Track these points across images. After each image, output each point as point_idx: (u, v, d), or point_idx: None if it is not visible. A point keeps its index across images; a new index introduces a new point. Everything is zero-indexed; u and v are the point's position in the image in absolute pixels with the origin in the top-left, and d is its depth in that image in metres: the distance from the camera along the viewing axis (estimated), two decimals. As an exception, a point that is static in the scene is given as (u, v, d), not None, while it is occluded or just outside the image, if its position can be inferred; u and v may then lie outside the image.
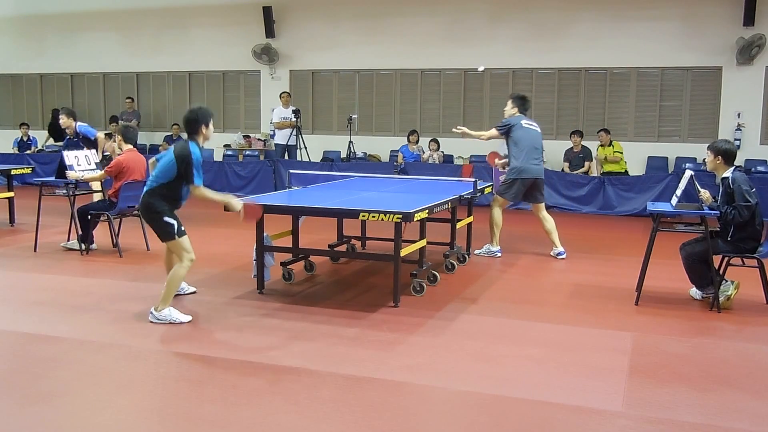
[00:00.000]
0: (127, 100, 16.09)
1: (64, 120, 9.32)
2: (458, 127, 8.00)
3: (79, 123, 9.44)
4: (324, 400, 3.85)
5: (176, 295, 5.54)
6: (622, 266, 7.32)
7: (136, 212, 7.85)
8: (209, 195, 5.21)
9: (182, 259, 5.20)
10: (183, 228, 5.23)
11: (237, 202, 5.30)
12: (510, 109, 7.91)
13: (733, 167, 5.75)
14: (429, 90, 14.39)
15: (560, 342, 4.91)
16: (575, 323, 5.36)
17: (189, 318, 5.22)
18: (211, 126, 5.25)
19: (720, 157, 5.73)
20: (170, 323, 5.13)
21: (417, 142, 13.40)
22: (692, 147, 12.61)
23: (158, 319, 5.15)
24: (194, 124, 5.15)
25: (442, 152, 13.26)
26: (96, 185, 8.33)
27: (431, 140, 13.30)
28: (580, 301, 6.02)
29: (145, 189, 5.23)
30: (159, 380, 4.17)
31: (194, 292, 5.96)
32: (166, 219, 5.14)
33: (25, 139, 15.58)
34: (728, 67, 12.46)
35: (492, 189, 8.08)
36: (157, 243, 7.86)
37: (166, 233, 5.16)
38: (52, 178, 8.29)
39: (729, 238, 5.72)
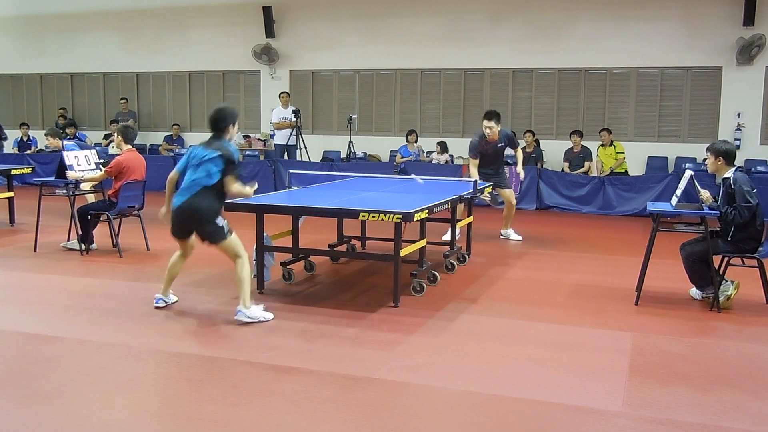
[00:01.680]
0: (122, 101, 16.11)
1: (50, 140, 9.20)
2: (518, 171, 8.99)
3: (66, 142, 9.28)
4: (324, 400, 3.85)
5: (160, 308, 5.58)
6: (622, 266, 7.32)
7: (136, 212, 7.87)
8: (242, 189, 5.26)
9: (240, 254, 5.23)
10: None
11: (251, 189, 5.41)
12: (498, 127, 8.37)
13: (735, 167, 5.75)
14: (429, 90, 14.39)
15: (560, 342, 4.91)
16: (575, 323, 5.36)
17: (272, 316, 5.28)
18: (237, 125, 5.32)
19: (721, 158, 5.72)
20: (260, 321, 5.17)
21: (416, 141, 13.39)
22: (692, 147, 12.61)
23: (249, 317, 5.15)
24: (222, 122, 5.20)
25: (451, 155, 13.22)
26: (86, 186, 8.21)
27: (438, 142, 13.25)
28: (580, 301, 6.02)
29: (188, 193, 5.09)
30: (159, 380, 4.17)
31: (176, 302, 5.74)
32: (218, 220, 5.15)
33: (25, 139, 15.59)
34: (728, 67, 12.46)
35: (492, 189, 8.17)
36: (157, 243, 7.93)
37: (220, 234, 5.14)
38: (52, 178, 8.28)
39: (729, 239, 5.72)
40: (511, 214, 8.82)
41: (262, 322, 5.19)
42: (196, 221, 5.14)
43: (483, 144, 8.36)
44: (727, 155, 5.72)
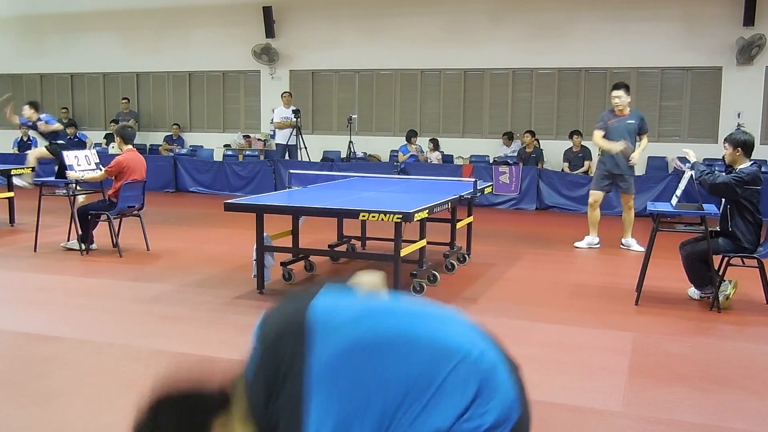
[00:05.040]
0: (123, 101, 16.11)
1: (26, 111, 9.90)
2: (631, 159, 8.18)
3: (43, 114, 10.02)
4: (324, 400, 3.84)
5: None
6: (622, 266, 7.32)
7: (136, 212, 7.87)
8: None
9: None
10: None
11: None
12: (628, 99, 8.18)
13: (752, 161, 5.71)
14: (429, 90, 14.38)
15: (560, 342, 4.91)
16: (575, 323, 5.36)
17: None
18: None
19: (740, 149, 5.69)
20: None
21: (416, 142, 13.39)
22: (692, 147, 12.50)
23: None
24: None
25: (442, 152, 13.25)
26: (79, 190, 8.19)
27: (430, 140, 13.30)
28: (580, 301, 6.02)
29: None
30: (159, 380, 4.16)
31: None
32: None
33: (25, 139, 15.58)
34: (728, 67, 12.45)
35: (492, 189, 8.12)
36: (157, 243, 7.92)
37: None
38: (52, 178, 8.28)
39: (729, 229, 5.66)
40: (630, 219, 8.27)
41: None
42: None
43: (610, 117, 8.16)
44: (745, 146, 5.68)
